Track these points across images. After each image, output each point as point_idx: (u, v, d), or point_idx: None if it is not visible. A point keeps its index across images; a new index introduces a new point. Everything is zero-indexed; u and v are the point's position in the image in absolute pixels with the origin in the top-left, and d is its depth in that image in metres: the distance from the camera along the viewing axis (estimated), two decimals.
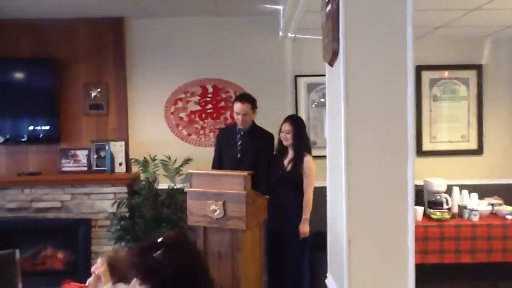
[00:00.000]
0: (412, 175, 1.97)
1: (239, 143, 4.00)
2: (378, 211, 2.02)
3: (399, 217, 2.00)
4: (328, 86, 2.61)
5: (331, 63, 2.27)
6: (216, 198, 3.31)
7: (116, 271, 2.83)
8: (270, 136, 4.08)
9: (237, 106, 3.94)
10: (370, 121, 1.98)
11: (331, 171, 2.58)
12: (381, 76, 1.95)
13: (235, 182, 3.32)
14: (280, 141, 4.00)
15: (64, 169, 4.74)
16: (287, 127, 3.93)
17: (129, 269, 1.62)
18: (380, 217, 2.02)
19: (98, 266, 2.85)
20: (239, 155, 3.97)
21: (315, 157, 4.00)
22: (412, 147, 1.98)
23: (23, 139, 4.70)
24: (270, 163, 3.99)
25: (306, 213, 3.85)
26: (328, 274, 2.72)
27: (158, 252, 1.57)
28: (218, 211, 3.29)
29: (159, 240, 1.62)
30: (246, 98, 4.00)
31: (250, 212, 3.31)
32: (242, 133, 4.01)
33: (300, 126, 3.98)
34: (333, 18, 2.12)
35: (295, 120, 4.02)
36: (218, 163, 4.08)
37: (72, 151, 4.76)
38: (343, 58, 2.01)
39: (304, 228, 3.85)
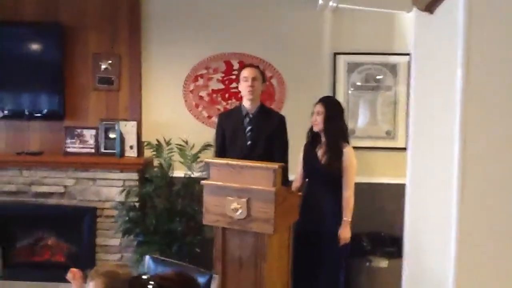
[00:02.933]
0: None
1: (248, 128, 3.38)
2: None
3: None
4: (417, 47, 1.87)
5: (431, 7, 1.51)
6: (239, 194, 2.74)
7: None
8: (282, 117, 3.50)
9: (245, 71, 3.39)
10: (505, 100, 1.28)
11: (415, 165, 1.92)
12: None
13: (262, 175, 2.74)
14: (311, 128, 3.42)
15: (69, 149, 4.22)
16: (318, 108, 3.35)
17: None
18: None
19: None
20: (249, 143, 3.36)
21: (353, 148, 3.41)
22: None
23: (24, 114, 4.17)
24: (287, 149, 3.42)
25: (347, 215, 3.26)
26: None
27: None
28: (240, 211, 2.72)
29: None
30: (253, 65, 3.59)
31: (279, 213, 2.74)
32: (250, 116, 3.40)
33: (335, 109, 3.38)
34: None
35: (328, 101, 3.43)
36: (222, 155, 3.44)
37: (78, 130, 4.23)
38: None
39: (345, 232, 3.25)
